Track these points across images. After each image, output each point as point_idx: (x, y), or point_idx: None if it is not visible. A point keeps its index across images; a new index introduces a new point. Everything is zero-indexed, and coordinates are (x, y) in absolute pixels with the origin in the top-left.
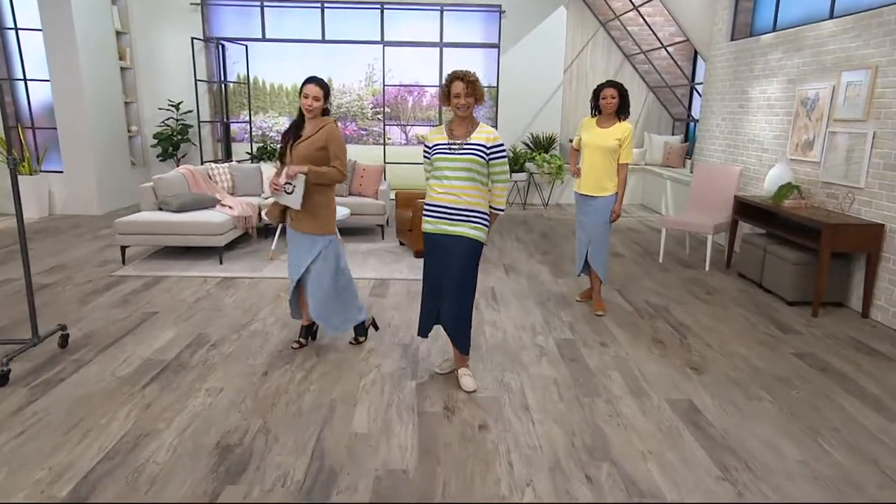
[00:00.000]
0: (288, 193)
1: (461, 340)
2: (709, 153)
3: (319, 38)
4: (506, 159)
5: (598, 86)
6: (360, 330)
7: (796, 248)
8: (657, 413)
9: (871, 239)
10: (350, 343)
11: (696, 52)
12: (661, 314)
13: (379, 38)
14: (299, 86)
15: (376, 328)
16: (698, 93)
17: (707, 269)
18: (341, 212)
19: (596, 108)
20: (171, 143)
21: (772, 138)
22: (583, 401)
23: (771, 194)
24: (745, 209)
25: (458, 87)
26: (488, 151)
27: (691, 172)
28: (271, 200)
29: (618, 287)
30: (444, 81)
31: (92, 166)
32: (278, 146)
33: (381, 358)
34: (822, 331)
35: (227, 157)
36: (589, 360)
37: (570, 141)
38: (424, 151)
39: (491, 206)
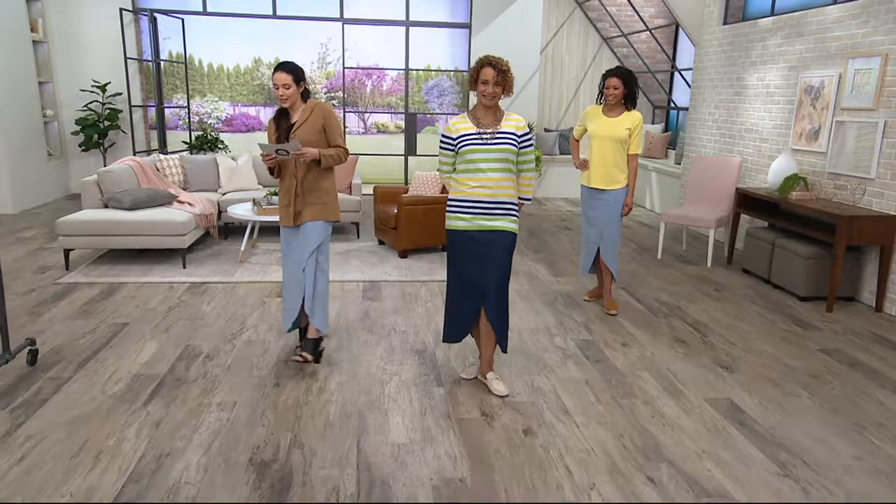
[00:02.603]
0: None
1: (505, 338)
2: (700, 143)
3: (270, 13)
4: (533, 147)
5: (605, 72)
6: (312, 346)
7: (807, 242)
8: (699, 412)
9: (885, 231)
10: (293, 359)
11: (676, 36)
12: (674, 312)
13: (338, 15)
14: (242, 67)
15: (318, 360)
16: (684, 78)
17: (709, 265)
18: None
19: (602, 96)
20: (97, 131)
21: (772, 128)
22: (621, 402)
23: (776, 186)
24: (749, 202)
25: (488, 73)
26: (520, 140)
27: (676, 164)
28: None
29: (623, 285)
30: (474, 65)
31: (3, 157)
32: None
33: (396, 365)
34: (841, 326)
35: (163, 146)
36: (615, 360)
37: (546, 130)
38: (444, 142)
39: (519, 197)
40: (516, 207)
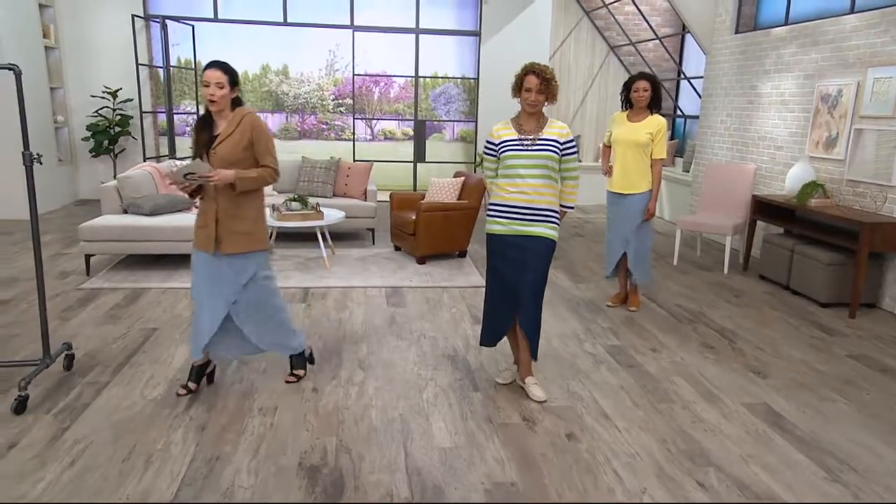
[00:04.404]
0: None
1: (537, 345)
2: (712, 151)
3: (280, 20)
4: (577, 154)
5: (629, 78)
6: (300, 361)
7: (827, 249)
8: (738, 417)
9: None
10: (287, 381)
11: (682, 44)
12: (698, 318)
13: (348, 23)
14: (250, 74)
15: (312, 361)
16: (693, 86)
17: (726, 271)
18: (336, 214)
19: (627, 102)
20: (108, 137)
21: (787, 135)
22: (659, 407)
23: (794, 193)
24: (766, 209)
25: (532, 81)
26: (562, 147)
27: (685, 171)
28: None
29: (643, 291)
30: (519, 72)
31: (16, 162)
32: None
33: (431, 371)
34: (866, 332)
35: (172, 152)
36: (646, 366)
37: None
38: (488, 148)
39: (561, 204)
40: (556, 214)
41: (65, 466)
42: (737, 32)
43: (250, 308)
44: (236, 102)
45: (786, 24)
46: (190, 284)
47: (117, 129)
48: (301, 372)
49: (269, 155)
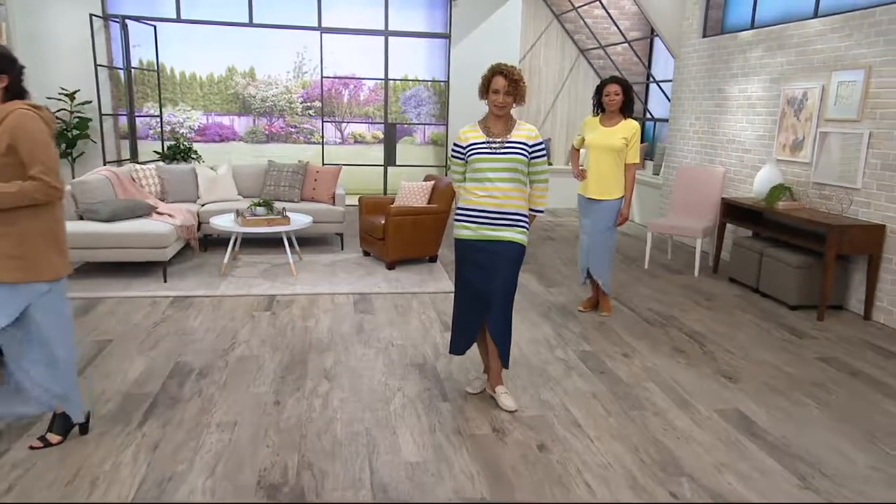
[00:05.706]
0: None
1: (507, 353)
2: (682, 154)
3: (246, 20)
4: (546, 157)
5: (601, 81)
6: (62, 424)
7: (795, 251)
8: (710, 424)
9: (874, 240)
10: (31, 446)
11: (651, 47)
12: (669, 322)
13: (316, 24)
14: (216, 76)
15: (85, 431)
16: (662, 89)
17: (696, 274)
18: (303, 220)
19: (599, 106)
20: (65, 140)
21: (754, 139)
22: (631, 414)
23: (761, 196)
24: (734, 212)
25: (499, 82)
26: (531, 150)
27: (654, 174)
28: None
29: (614, 295)
30: (486, 73)
31: None
32: None
33: (398, 380)
34: (834, 335)
35: (134, 155)
36: (618, 371)
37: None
38: (455, 151)
39: (531, 208)
40: (525, 219)
41: (1, 492)
42: (704, 36)
43: (22, 347)
44: (14, 92)
45: (752, 27)
46: (152, 293)
47: (75, 132)
48: (56, 438)
49: (37, 163)
